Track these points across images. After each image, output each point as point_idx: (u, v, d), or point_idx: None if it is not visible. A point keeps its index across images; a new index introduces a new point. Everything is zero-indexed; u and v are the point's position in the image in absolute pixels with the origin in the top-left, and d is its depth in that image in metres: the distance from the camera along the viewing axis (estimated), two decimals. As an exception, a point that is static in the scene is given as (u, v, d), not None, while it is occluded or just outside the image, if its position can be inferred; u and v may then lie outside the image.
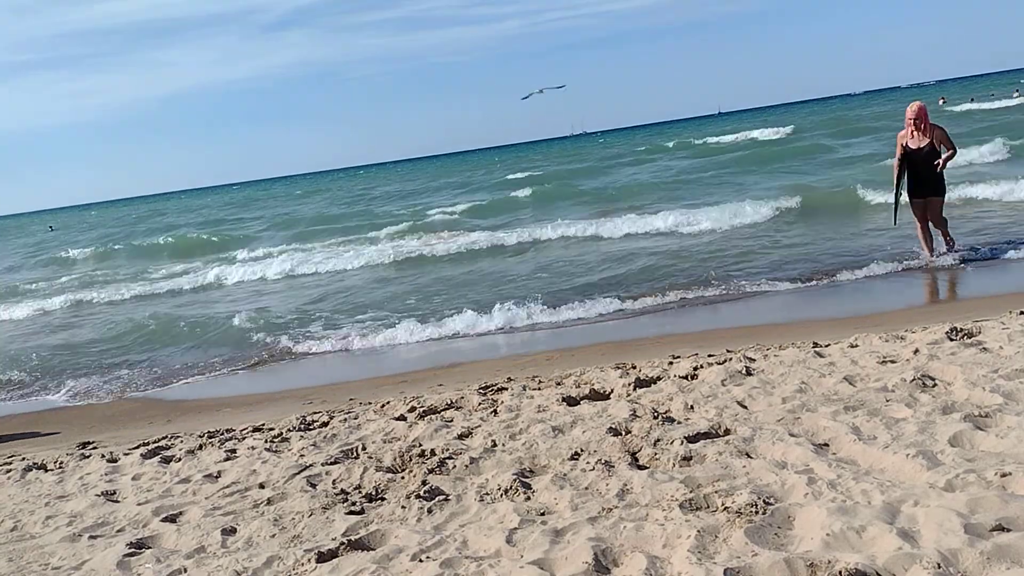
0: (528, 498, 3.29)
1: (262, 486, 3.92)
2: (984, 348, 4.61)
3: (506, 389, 5.20)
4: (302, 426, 4.99)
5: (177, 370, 8.56)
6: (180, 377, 8.23)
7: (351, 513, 3.38)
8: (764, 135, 40.20)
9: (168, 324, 10.92)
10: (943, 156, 8.58)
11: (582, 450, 3.72)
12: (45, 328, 12.85)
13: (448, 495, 3.43)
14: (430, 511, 3.26)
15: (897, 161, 8.86)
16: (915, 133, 8.64)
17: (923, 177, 8.72)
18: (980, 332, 5.03)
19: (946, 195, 8.83)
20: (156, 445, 5.12)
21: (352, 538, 3.06)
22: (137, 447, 5.14)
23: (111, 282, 18.16)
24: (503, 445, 4.02)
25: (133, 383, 8.22)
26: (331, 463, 4.08)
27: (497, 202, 24.61)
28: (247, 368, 8.29)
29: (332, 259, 16.23)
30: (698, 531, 2.66)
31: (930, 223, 8.93)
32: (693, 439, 3.68)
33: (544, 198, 23.68)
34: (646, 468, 3.45)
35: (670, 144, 44.60)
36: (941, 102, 53.13)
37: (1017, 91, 48.20)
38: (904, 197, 8.90)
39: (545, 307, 8.73)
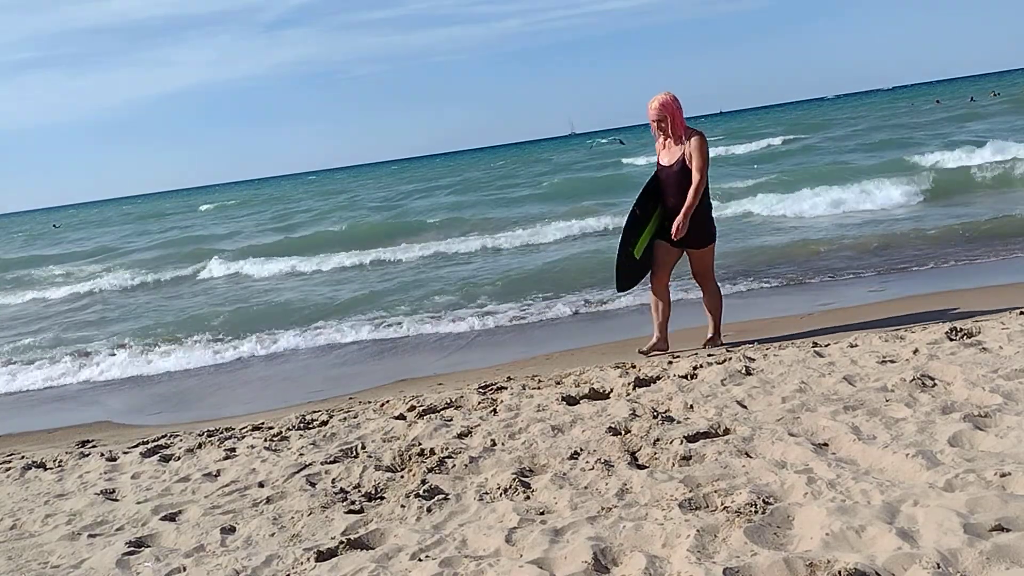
0: (527, 497, 3.29)
1: (261, 485, 3.92)
2: (984, 348, 4.61)
3: (505, 388, 5.19)
4: (301, 425, 4.99)
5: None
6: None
7: (350, 512, 3.38)
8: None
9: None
10: (690, 192, 5.59)
11: (581, 449, 3.72)
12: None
13: (447, 494, 3.43)
14: (429, 510, 3.26)
15: (646, 184, 5.92)
16: (667, 143, 5.81)
17: (673, 210, 5.73)
18: (980, 332, 5.03)
19: (715, 240, 5.94)
20: (155, 444, 5.11)
21: (351, 537, 3.06)
22: (136, 445, 5.14)
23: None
24: (502, 444, 4.02)
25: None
26: (330, 462, 4.08)
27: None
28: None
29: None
30: (697, 530, 2.65)
31: (700, 285, 6.08)
32: (693, 438, 3.68)
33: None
34: (645, 467, 3.45)
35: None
36: (937, 103, 53.13)
37: None
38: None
39: None
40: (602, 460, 3.51)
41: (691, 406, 4.21)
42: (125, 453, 4.94)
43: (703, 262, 5.96)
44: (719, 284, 6.24)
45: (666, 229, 5.83)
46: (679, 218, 5.63)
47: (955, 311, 6.22)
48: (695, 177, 5.61)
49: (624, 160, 37.25)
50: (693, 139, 5.66)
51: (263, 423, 5.29)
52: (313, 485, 3.77)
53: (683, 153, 5.65)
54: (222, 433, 5.15)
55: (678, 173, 5.67)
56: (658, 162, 5.88)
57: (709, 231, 5.86)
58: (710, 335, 6.09)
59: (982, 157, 16.87)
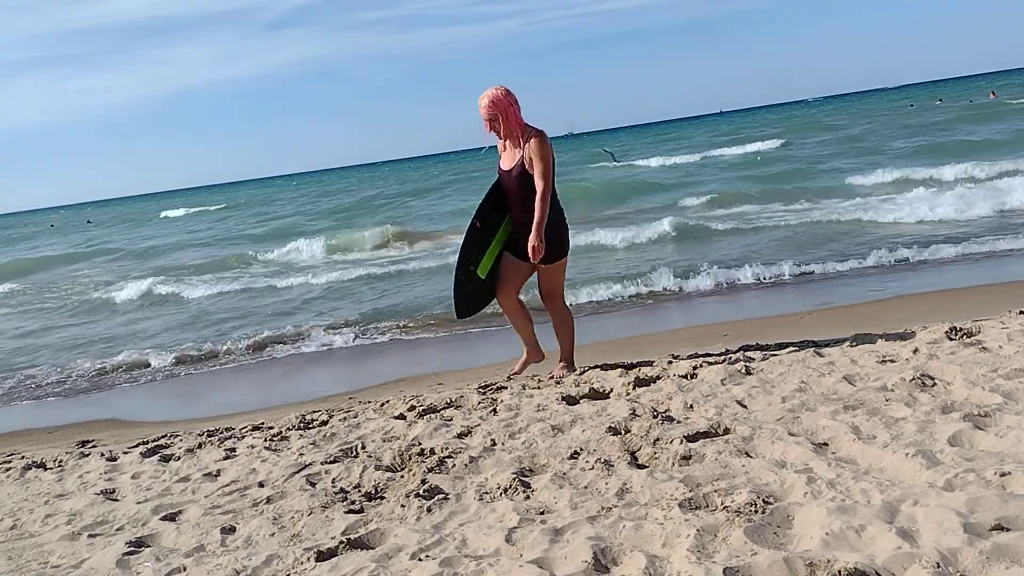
0: (527, 497, 3.29)
1: (261, 485, 3.92)
2: (984, 347, 4.61)
3: (505, 388, 5.19)
4: (301, 425, 4.99)
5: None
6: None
7: (350, 512, 3.38)
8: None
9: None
10: (537, 203, 4.97)
11: (581, 449, 3.72)
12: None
13: (447, 494, 3.42)
14: (429, 510, 3.26)
15: (488, 192, 5.32)
16: (506, 145, 5.19)
17: (519, 222, 5.17)
18: (980, 331, 5.03)
19: (567, 256, 5.31)
20: (155, 444, 5.11)
21: (351, 537, 3.06)
22: (136, 445, 5.13)
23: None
24: (502, 444, 4.01)
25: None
26: (330, 462, 4.07)
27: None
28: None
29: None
30: (697, 530, 2.65)
31: (546, 306, 5.42)
32: (692, 438, 3.68)
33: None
34: (645, 467, 3.45)
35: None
36: (938, 102, 53.03)
37: None
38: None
39: None
40: (602, 460, 3.51)
41: (691, 406, 4.21)
42: (125, 453, 4.94)
43: (551, 279, 5.31)
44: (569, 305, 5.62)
45: (515, 242, 5.23)
46: (532, 237, 4.99)
47: (955, 311, 6.22)
48: (538, 185, 4.97)
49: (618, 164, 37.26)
50: (532, 140, 5.00)
51: (263, 423, 5.29)
52: (313, 485, 3.76)
53: (522, 156, 5.03)
54: (222, 433, 5.14)
55: (518, 179, 5.05)
56: (499, 167, 5.25)
57: (560, 244, 5.19)
58: (560, 362, 5.45)
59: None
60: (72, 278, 19.61)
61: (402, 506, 3.33)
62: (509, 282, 5.34)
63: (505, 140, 5.15)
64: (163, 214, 53.48)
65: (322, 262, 17.24)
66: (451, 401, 4.97)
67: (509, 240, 5.34)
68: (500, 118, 5.03)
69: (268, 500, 3.65)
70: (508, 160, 5.16)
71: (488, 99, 5.02)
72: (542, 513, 3.09)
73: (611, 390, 4.77)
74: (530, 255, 5.05)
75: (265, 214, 37.81)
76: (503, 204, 5.26)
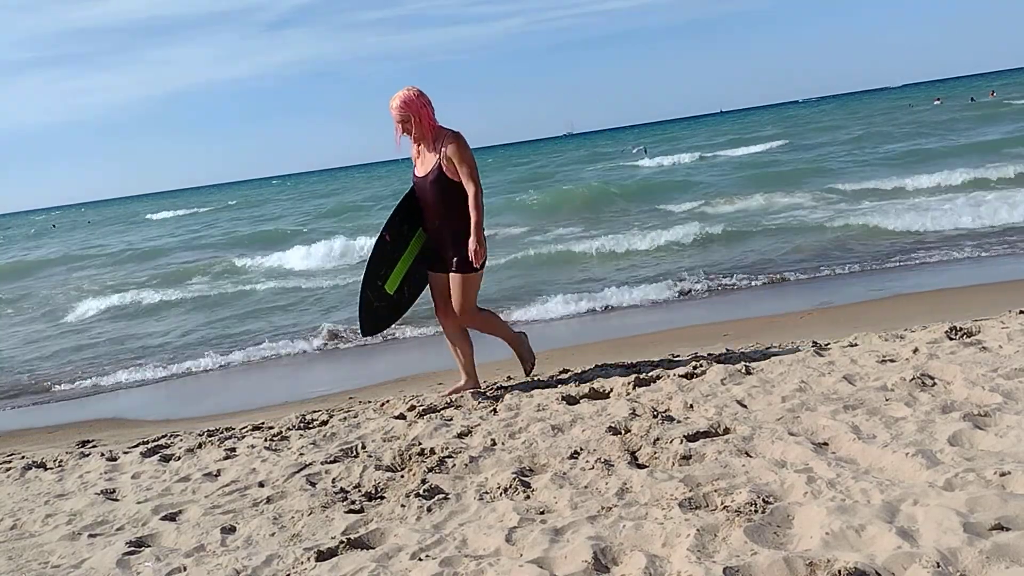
0: (527, 497, 3.29)
1: (261, 484, 3.92)
2: (983, 347, 4.61)
3: (506, 388, 5.19)
4: (301, 424, 4.99)
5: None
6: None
7: (350, 512, 3.38)
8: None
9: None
10: (471, 207, 4.74)
11: (581, 449, 3.72)
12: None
13: (447, 494, 3.43)
14: (429, 510, 3.26)
15: (401, 202, 5.05)
16: (420, 149, 4.91)
17: (435, 231, 4.92)
18: (979, 331, 5.03)
19: (483, 269, 4.95)
20: (155, 443, 5.11)
21: (351, 537, 3.06)
22: (136, 445, 5.14)
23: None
24: (503, 444, 4.01)
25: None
26: (331, 462, 4.07)
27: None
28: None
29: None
30: (697, 530, 2.65)
31: (447, 322, 5.13)
32: (692, 438, 3.68)
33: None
34: (645, 467, 3.45)
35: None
36: (937, 102, 52.98)
37: None
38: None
39: None
40: (602, 459, 3.51)
41: (691, 405, 4.21)
42: (125, 453, 4.94)
43: (465, 292, 4.91)
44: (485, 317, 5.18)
45: (433, 253, 4.94)
46: (472, 242, 4.73)
47: (955, 310, 6.22)
48: (469, 188, 4.72)
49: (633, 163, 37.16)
50: (450, 144, 4.73)
51: (263, 423, 5.29)
52: (313, 485, 3.76)
53: (438, 160, 4.76)
54: (222, 433, 5.14)
55: (434, 184, 4.76)
56: (414, 174, 4.96)
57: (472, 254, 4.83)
58: (462, 382, 5.18)
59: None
60: (70, 280, 19.64)
61: (402, 506, 3.33)
62: (443, 300, 5.03)
63: (419, 145, 4.89)
64: (159, 215, 53.39)
65: (321, 262, 17.28)
66: (451, 401, 4.97)
67: (424, 254, 5.05)
68: (412, 119, 4.75)
69: (268, 500, 3.65)
70: (423, 166, 4.86)
71: (400, 100, 4.75)
72: (542, 513, 3.09)
73: (611, 390, 4.77)
74: (473, 260, 4.79)
75: (263, 216, 37.82)
76: (415, 216, 5.00)
